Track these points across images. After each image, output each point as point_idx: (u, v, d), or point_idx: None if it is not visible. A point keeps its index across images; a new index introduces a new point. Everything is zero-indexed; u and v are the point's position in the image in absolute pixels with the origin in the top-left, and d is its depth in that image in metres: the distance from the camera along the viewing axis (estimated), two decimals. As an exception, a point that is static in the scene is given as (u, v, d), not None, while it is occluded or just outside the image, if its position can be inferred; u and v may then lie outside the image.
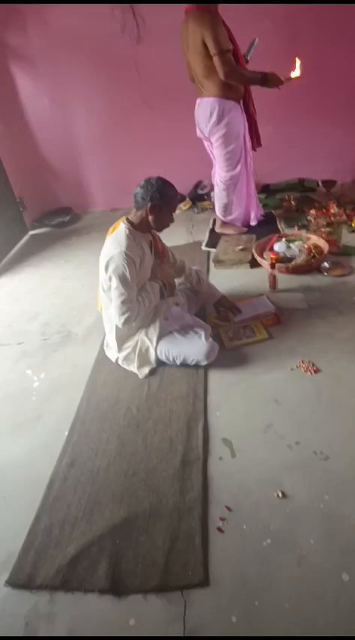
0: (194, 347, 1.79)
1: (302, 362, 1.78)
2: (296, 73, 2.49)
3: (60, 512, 1.36)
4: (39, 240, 3.69)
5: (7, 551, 1.28)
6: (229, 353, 1.90)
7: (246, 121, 2.74)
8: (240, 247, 2.71)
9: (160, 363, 1.88)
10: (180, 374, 1.82)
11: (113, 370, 1.93)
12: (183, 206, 3.71)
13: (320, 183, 3.53)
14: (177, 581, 1.13)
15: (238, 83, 2.52)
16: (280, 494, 1.29)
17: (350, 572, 1.09)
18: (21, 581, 1.19)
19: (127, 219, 1.78)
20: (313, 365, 1.76)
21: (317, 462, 1.38)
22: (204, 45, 2.38)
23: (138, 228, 1.77)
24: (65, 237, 3.61)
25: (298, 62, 2.47)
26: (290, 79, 2.49)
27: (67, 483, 1.45)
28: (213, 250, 2.87)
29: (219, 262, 2.65)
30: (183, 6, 2.45)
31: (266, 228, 3.02)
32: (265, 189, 3.60)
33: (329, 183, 3.47)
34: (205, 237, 3.10)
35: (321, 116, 3.39)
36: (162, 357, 1.85)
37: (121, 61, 3.30)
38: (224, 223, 3.07)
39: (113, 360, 1.95)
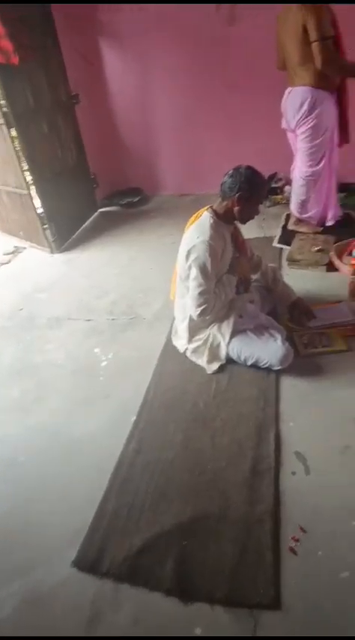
0: (269, 349, 1.67)
1: (386, 382, 1.61)
2: None
3: (127, 497, 1.32)
4: (108, 218, 3.65)
5: (74, 529, 1.26)
6: (303, 360, 1.76)
7: (336, 114, 2.50)
8: (317, 248, 2.51)
9: (229, 360, 1.78)
10: (250, 375, 1.71)
11: (181, 360, 1.85)
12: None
13: None
14: (247, 596, 1.05)
15: (335, 74, 2.29)
16: (360, 525, 1.17)
17: None
18: (87, 564, 1.17)
19: (212, 208, 1.67)
20: None
21: None
22: (305, 30, 2.17)
23: (222, 219, 1.65)
24: (133, 218, 3.55)
25: None
26: None
27: (134, 469, 1.41)
28: (286, 248, 2.69)
29: (293, 261, 2.47)
30: None
31: (343, 229, 2.78)
32: (345, 188, 3.31)
33: None
34: (277, 233, 2.91)
35: None
36: (233, 355, 1.75)
37: (211, 43, 3.12)
38: (298, 220, 2.87)
39: (181, 350, 1.88)
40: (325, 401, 1.58)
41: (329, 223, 2.85)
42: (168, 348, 1.94)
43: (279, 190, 3.53)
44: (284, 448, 1.42)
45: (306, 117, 2.43)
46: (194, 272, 1.61)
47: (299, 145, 2.58)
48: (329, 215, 2.85)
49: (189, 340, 1.82)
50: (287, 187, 3.42)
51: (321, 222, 2.86)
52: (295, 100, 2.44)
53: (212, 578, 1.09)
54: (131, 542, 1.19)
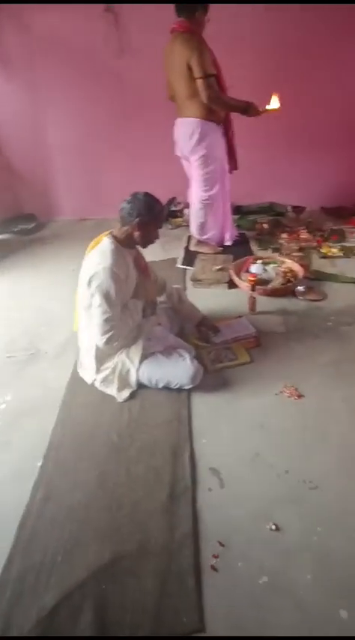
0: (179, 370, 1.74)
1: (286, 387, 1.79)
2: (273, 106, 2.60)
3: (35, 556, 1.23)
4: (1, 247, 3.48)
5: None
6: (211, 376, 1.87)
7: (224, 144, 2.81)
8: (218, 267, 2.73)
9: (140, 385, 1.80)
10: (162, 398, 1.76)
11: (89, 392, 1.82)
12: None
13: (289, 208, 3.68)
14: (172, 628, 1.05)
15: (220, 108, 2.58)
16: (273, 527, 1.26)
17: (348, 609, 1.08)
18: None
19: (112, 234, 1.72)
20: (296, 390, 1.77)
21: (307, 492, 1.37)
22: (189, 67, 2.43)
23: (123, 244, 1.71)
24: (29, 246, 3.45)
25: (275, 97, 2.58)
26: (267, 111, 2.60)
27: (43, 521, 1.32)
28: (189, 268, 2.86)
29: (197, 281, 2.64)
30: (169, 25, 2.48)
31: (240, 248, 3.09)
32: (237, 211, 3.68)
33: (298, 209, 3.63)
34: (180, 254, 3.09)
35: (294, 146, 3.55)
36: (144, 380, 1.78)
37: (101, 72, 3.27)
38: (199, 242, 3.09)
39: (89, 381, 1.85)
40: (233, 412, 1.69)
41: (227, 243, 3.13)
42: (75, 381, 1.89)
43: (179, 213, 3.77)
44: (199, 466, 1.48)
45: (197, 146, 2.68)
46: (97, 299, 1.62)
47: (194, 171, 2.81)
48: (227, 236, 3.13)
49: (97, 370, 1.81)
50: (186, 210, 3.67)
51: (220, 242, 3.12)
52: (185, 130, 2.68)
53: (134, 618, 1.07)
54: (42, 603, 1.11)
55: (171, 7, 2.42)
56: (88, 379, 1.85)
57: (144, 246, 1.78)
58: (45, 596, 1.13)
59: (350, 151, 3.60)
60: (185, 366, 1.75)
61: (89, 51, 3.17)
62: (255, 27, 3.08)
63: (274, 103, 2.61)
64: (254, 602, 1.10)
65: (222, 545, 1.23)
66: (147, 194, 1.67)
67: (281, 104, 2.58)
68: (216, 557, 1.20)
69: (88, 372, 1.85)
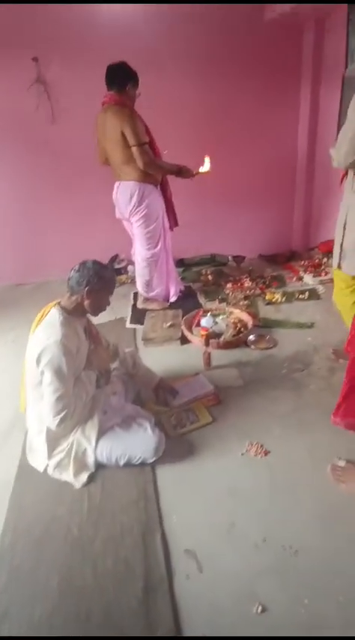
0: (140, 442, 1.70)
1: (251, 444, 1.82)
2: (205, 169, 2.86)
3: None
4: None
5: None
6: (175, 442, 1.85)
7: (163, 203, 2.98)
8: (169, 324, 2.79)
9: (99, 466, 1.73)
10: (125, 475, 1.69)
11: (43, 481, 1.70)
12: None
13: (230, 258, 3.92)
14: None
15: (155, 172, 2.78)
16: (259, 610, 1.22)
17: None
18: None
19: (59, 305, 1.71)
20: (262, 447, 1.80)
21: (288, 559, 1.36)
22: (123, 136, 2.61)
23: (72, 314, 1.70)
24: None
25: (207, 159, 2.85)
26: (200, 173, 2.85)
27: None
28: (139, 327, 2.89)
29: (148, 340, 2.66)
30: (97, 95, 2.69)
31: (187, 302, 3.20)
32: (180, 264, 3.85)
33: (239, 259, 3.88)
34: (128, 313, 3.12)
35: (230, 200, 3.86)
36: (103, 459, 1.71)
37: (36, 139, 3.39)
38: (146, 299, 3.16)
39: (41, 469, 1.73)
40: (201, 480, 1.67)
41: (173, 298, 3.22)
42: (25, 469, 1.76)
43: (123, 270, 3.86)
44: (172, 549, 1.42)
45: (137, 207, 2.83)
46: (48, 376, 1.57)
47: (136, 231, 2.94)
48: (172, 291, 3.24)
49: (49, 455, 1.70)
50: (130, 267, 3.77)
51: (166, 297, 3.22)
52: (125, 192, 2.83)
53: None
54: None
55: (100, 77, 2.63)
56: (40, 466, 1.73)
57: (95, 314, 1.78)
58: None
59: (280, 202, 4.00)
60: (146, 438, 1.71)
61: (22, 119, 3.30)
62: (187, 96, 3.43)
63: (206, 166, 2.87)
64: None
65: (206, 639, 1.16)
66: (95, 262, 1.70)
67: (213, 163, 2.85)
68: (203, 655, 1.13)
69: (39, 458, 1.74)
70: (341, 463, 1.66)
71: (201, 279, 3.58)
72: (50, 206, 3.63)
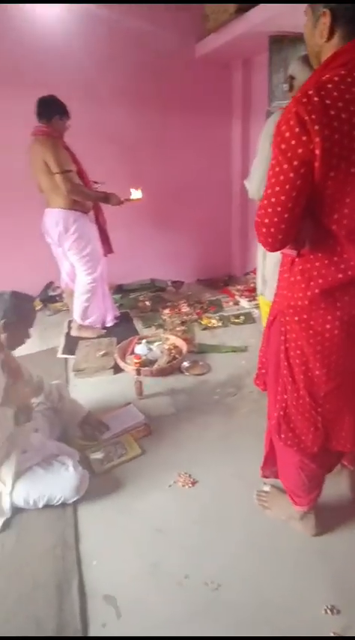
0: (60, 482, 1.62)
1: (180, 475, 1.79)
2: (136, 196, 2.93)
3: None
4: None
5: None
6: (100, 479, 1.78)
7: (96, 230, 2.99)
8: (102, 352, 2.74)
9: (16, 509, 1.62)
10: (43, 519, 1.59)
11: None
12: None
13: (169, 283, 3.98)
14: None
15: (80, 199, 2.80)
16: (178, 654, 1.18)
17: None
18: None
19: (-24, 340, 1.62)
20: (190, 477, 1.78)
21: (210, 595, 1.33)
22: (47, 165, 2.66)
23: (-13, 349, 1.62)
24: None
25: (135, 190, 2.93)
26: (130, 200, 2.91)
27: None
28: (71, 357, 2.80)
29: (79, 371, 2.59)
30: (29, 121, 2.69)
31: (123, 327, 3.18)
32: (118, 290, 3.84)
33: (177, 284, 3.95)
34: (61, 342, 3.04)
35: (167, 226, 3.94)
36: (20, 503, 1.60)
37: None
38: (81, 326, 3.09)
39: None
40: (127, 518, 1.61)
41: (109, 324, 3.20)
42: None
43: (58, 298, 3.77)
44: (91, 597, 1.34)
45: (65, 234, 2.82)
46: None
47: (72, 258, 2.93)
48: (108, 317, 3.21)
49: None
50: (64, 294, 3.70)
51: (102, 324, 3.18)
52: (51, 219, 2.84)
53: None
54: None
55: (31, 108, 2.65)
56: None
57: (12, 349, 1.71)
58: None
59: (218, 228, 4.15)
60: (67, 476, 1.63)
61: None
62: (122, 126, 3.50)
63: (136, 194, 2.94)
64: None
65: None
66: (14, 293, 1.64)
67: (151, 190, 2.92)
68: None
69: None
70: (266, 488, 1.68)
71: (139, 305, 3.58)
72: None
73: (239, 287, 3.86)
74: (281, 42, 2.83)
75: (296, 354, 1.23)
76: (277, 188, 1.02)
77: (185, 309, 3.49)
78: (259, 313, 3.37)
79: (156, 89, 3.50)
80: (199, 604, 1.30)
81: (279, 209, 1.04)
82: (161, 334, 2.99)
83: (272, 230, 1.08)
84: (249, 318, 3.31)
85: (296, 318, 1.19)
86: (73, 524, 1.57)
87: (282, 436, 1.34)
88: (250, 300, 3.54)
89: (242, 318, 3.30)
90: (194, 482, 1.76)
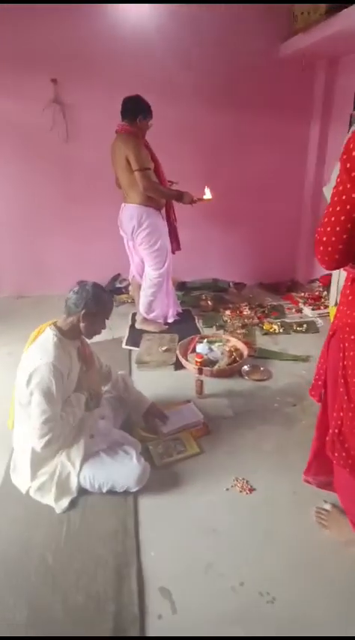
0: (124, 471, 1.68)
1: (237, 480, 1.79)
2: (207, 197, 2.93)
3: None
4: None
5: None
6: (160, 471, 1.82)
7: (166, 226, 3.03)
8: (164, 348, 2.78)
9: (81, 490, 1.70)
10: (106, 504, 1.66)
11: (23, 502, 1.67)
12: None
13: (231, 284, 3.94)
14: None
15: (156, 196, 2.85)
16: (231, 659, 1.18)
17: None
18: None
19: (55, 325, 1.71)
20: (247, 483, 1.77)
21: (265, 607, 1.32)
22: (128, 162, 2.72)
23: (67, 335, 1.70)
24: None
25: (207, 189, 2.92)
26: (202, 200, 2.91)
27: None
28: (135, 349, 2.88)
29: (142, 363, 2.65)
30: (112, 120, 2.80)
31: (185, 326, 3.20)
32: (181, 287, 3.87)
33: (239, 286, 3.90)
34: (125, 334, 3.12)
35: (235, 226, 3.91)
36: (86, 484, 1.68)
37: (48, 155, 3.46)
38: (145, 319, 3.16)
39: (23, 490, 1.71)
40: (184, 514, 1.64)
41: (171, 320, 3.24)
42: (7, 489, 1.74)
43: (124, 290, 3.88)
44: (147, 586, 1.38)
45: (138, 228, 2.91)
46: (37, 398, 1.56)
47: (143, 253, 3.01)
48: (170, 312, 3.26)
49: (33, 476, 1.68)
50: (130, 287, 3.80)
51: (164, 319, 3.23)
52: (127, 214, 2.93)
53: None
54: None
55: (115, 101, 2.75)
56: (22, 487, 1.71)
57: (89, 337, 1.79)
58: None
59: (285, 232, 4.03)
60: (131, 466, 1.69)
61: (36, 133, 3.38)
62: (199, 123, 3.52)
63: (207, 195, 2.94)
64: None
65: None
66: (95, 285, 1.71)
67: (221, 188, 2.92)
68: None
69: (23, 479, 1.71)
70: (327, 507, 1.63)
71: (201, 303, 3.59)
72: (57, 221, 3.68)
73: (303, 294, 3.73)
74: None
75: (354, 372, 1.19)
76: (338, 208, 1.01)
77: (246, 312, 3.44)
78: (323, 323, 3.25)
79: (237, 88, 3.45)
80: (254, 615, 1.30)
81: (338, 229, 1.03)
82: (222, 335, 2.98)
83: (329, 249, 1.07)
84: (312, 327, 3.20)
85: (353, 337, 1.15)
86: (134, 513, 1.63)
87: (335, 455, 1.30)
88: (314, 309, 3.42)
89: (305, 326, 3.20)
90: (251, 490, 1.75)
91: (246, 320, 3.31)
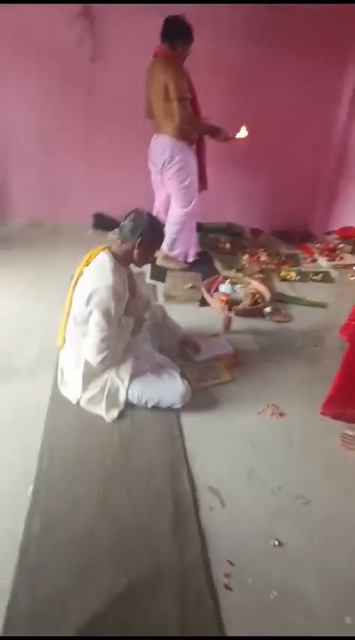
0: (169, 389, 1.80)
1: (268, 405, 1.95)
2: (241, 135, 2.85)
3: (42, 589, 1.19)
4: None
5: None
6: (195, 395, 1.95)
7: (196, 163, 2.97)
8: (189, 285, 2.84)
9: (127, 405, 1.82)
10: (152, 417, 1.80)
11: (75, 412, 1.79)
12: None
13: (247, 230, 3.95)
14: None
15: (191, 129, 2.77)
16: (276, 543, 1.38)
17: (352, 615, 1.22)
18: None
19: (109, 251, 1.73)
20: (278, 408, 1.93)
21: (301, 507, 1.51)
22: (167, 90, 2.59)
23: (120, 261, 1.73)
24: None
25: (243, 127, 2.84)
26: (235, 138, 2.84)
27: (45, 552, 1.28)
28: (158, 283, 2.93)
29: (170, 297, 2.72)
30: (145, 39, 2.62)
31: (205, 267, 3.25)
32: (199, 228, 3.84)
33: (256, 232, 3.92)
34: (147, 268, 3.15)
35: (252, 168, 3.84)
36: (134, 399, 1.80)
37: (71, 74, 3.25)
38: (167, 256, 3.18)
39: (74, 401, 1.82)
40: (222, 430, 1.80)
41: (191, 259, 3.27)
42: (57, 400, 1.84)
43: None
44: (198, 484, 1.55)
45: (169, 162, 2.84)
46: (96, 316, 1.62)
47: (171, 188, 2.95)
48: (191, 252, 3.28)
49: (84, 389, 1.79)
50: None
51: (185, 258, 3.26)
52: (159, 146, 2.84)
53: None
54: (63, 634, 1.09)
55: (149, 24, 2.55)
56: (73, 398, 1.82)
57: (141, 265, 1.83)
58: (65, 628, 1.10)
59: (305, 179, 3.99)
60: (176, 385, 1.81)
61: (60, 50, 3.14)
62: (232, 59, 3.34)
63: (242, 133, 2.86)
64: (269, 617, 1.20)
65: (231, 563, 1.31)
66: (150, 214, 1.73)
67: (247, 134, 2.83)
68: (227, 575, 1.28)
69: (73, 391, 1.82)
70: (351, 432, 1.81)
71: (219, 246, 3.61)
72: (77, 147, 3.54)
73: (317, 245, 3.79)
74: None
75: None
76: None
77: (264, 257, 3.50)
78: (338, 274, 3.36)
79: (274, 24, 3.25)
80: (291, 512, 1.49)
81: None
82: (244, 278, 3.05)
83: None
84: (327, 278, 3.30)
85: None
86: (178, 425, 1.77)
87: None
88: (329, 260, 3.51)
89: (320, 275, 3.30)
90: (281, 414, 1.91)
91: (263, 266, 3.37)
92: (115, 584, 1.21)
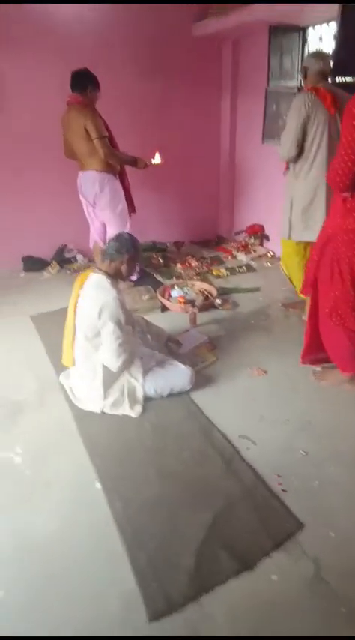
0: (179, 375, 2.16)
1: (252, 369, 2.42)
2: (156, 161, 3.38)
3: (150, 543, 1.45)
4: None
5: (124, 600, 1.29)
6: (196, 376, 2.34)
7: (122, 191, 3.41)
8: (147, 297, 3.22)
9: (146, 399, 2.13)
10: (169, 403, 2.14)
11: (101, 419, 2.04)
12: (51, 269, 3.95)
13: (169, 244, 4.49)
14: (284, 532, 1.48)
15: (114, 162, 3.21)
16: (303, 453, 1.83)
17: (368, 477, 1.72)
18: (162, 610, 1.26)
19: (100, 271, 2.04)
20: (260, 368, 2.42)
21: (307, 427, 2.00)
22: (86, 130, 3.01)
23: (113, 278, 2.06)
24: None
25: (157, 154, 3.38)
26: (153, 164, 3.36)
27: (137, 518, 1.54)
28: (117, 303, 3.25)
29: (134, 311, 3.04)
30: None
31: (148, 280, 3.67)
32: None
33: (179, 244, 4.48)
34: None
35: (164, 189, 4.41)
36: (150, 393, 2.12)
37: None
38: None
39: (98, 410, 2.06)
40: (227, 395, 2.23)
41: (134, 278, 3.66)
42: (81, 414, 2.07)
43: (73, 259, 4.11)
44: (230, 438, 1.93)
45: (100, 193, 3.22)
46: (110, 326, 1.92)
47: (106, 217, 3.34)
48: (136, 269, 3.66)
49: (104, 396, 2.04)
50: (78, 256, 4.08)
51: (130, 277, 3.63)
52: (88, 181, 3.22)
53: (255, 541, 1.46)
54: (184, 566, 1.37)
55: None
56: (96, 408, 2.06)
57: (127, 278, 2.17)
58: (182, 561, 1.38)
59: (207, 193, 4.69)
60: (183, 372, 2.18)
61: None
62: (131, 95, 3.88)
63: (157, 159, 3.39)
64: (316, 498, 1.63)
65: (278, 475, 1.73)
66: (129, 234, 2.09)
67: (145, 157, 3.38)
68: (279, 483, 1.69)
69: (95, 401, 2.06)
70: (318, 369, 2.38)
71: (152, 262, 4.07)
72: (1, 194, 3.70)
73: (232, 244, 4.49)
74: (278, 30, 3.43)
75: (346, 262, 1.91)
76: (350, 153, 1.69)
77: (194, 263, 4.05)
78: (256, 264, 4.06)
79: (158, 62, 3.90)
80: (302, 432, 1.97)
81: (350, 165, 1.70)
82: (187, 281, 3.53)
83: (344, 178, 1.74)
84: (250, 268, 3.98)
85: (346, 238, 1.87)
86: (193, 403, 2.14)
87: (333, 319, 2.03)
88: (246, 254, 4.20)
89: (244, 267, 3.96)
90: (265, 371, 2.41)
91: (197, 269, 3.92)
92: (204, 520, 1.53)
